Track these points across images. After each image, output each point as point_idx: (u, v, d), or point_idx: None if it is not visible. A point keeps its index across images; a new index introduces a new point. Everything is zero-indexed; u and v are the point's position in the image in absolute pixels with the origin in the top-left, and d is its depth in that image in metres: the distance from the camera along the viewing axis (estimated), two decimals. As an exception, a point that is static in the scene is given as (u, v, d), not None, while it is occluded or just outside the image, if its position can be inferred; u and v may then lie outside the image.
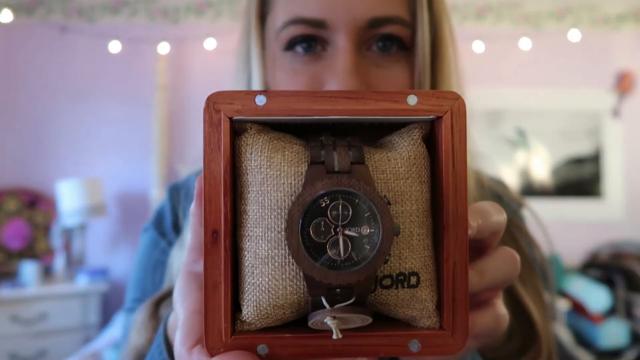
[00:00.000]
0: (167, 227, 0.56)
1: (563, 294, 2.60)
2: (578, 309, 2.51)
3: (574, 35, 2.95)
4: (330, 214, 0.26)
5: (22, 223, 2.69)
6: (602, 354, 2.52)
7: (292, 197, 0.27)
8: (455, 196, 0.28)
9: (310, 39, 0.41)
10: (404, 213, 0.28)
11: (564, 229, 2.96)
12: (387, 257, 0.26)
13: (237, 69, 0.48)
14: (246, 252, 0.28)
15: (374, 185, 0.26)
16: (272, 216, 0.27)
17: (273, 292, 0.27)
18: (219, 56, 2.90)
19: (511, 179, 2.97)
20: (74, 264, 2.59)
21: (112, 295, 2.71)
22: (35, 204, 2.75)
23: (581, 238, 2.94)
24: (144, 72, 2.85)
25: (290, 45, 0.41)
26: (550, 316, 0.49)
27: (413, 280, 0.28)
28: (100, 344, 1.85)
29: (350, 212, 0.26)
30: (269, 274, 0.27)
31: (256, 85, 0.44)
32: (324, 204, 0.26)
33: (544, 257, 0.51)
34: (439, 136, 0.28)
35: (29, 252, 2.69)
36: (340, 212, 0.26)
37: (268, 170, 0.28)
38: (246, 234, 0.28)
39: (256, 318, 0.28)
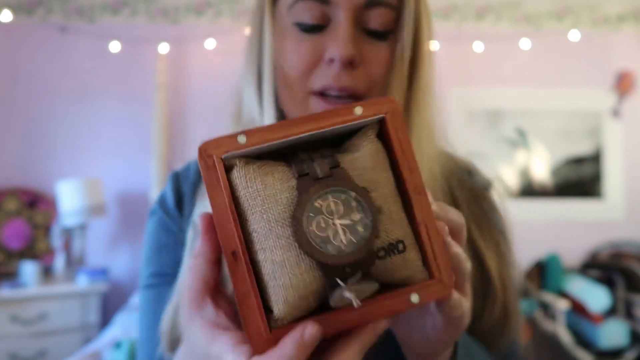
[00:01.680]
0: (170, 207, 0.61)
1: (563, 294, 2.60)
2: (578, 309, 2.51)
3: (574, 35, 2.95)
4: (326, 211, 0.32)
5: (22, 223, 2.69)
6: (602, 354, 2.52)
7: (292, 207, 0.33)
8: (410, 174, 0.35)
9: (314, 25, 0.49)
10: (380, 196, 0.35)
11: (564, 229, 2.96)
12: (378, 233, 0.33)
13: (250, 40, 0.56)
14: (263, 263, 0.33)
15: (353, 181, 0.33)
16: (279, 227, 0.33)
17: (296, 286, 0.32)
18: (219, 56, 2.90)
19: (511, 179, 2.97)
20: (74, 264, 2.59)
21: (112, 295, 2.71)
22: (35, 204, 2.75)
23: (581, 238, 2.94)
24: (144, 72, 2.85)
25: (298, 23, 0.49)
26: (509, 268, 0.57)
27: (400, 247, 0.34)
28: (100, 344, 1.85)
29: (341, 206, 0.33)
30: (288, 273, 0.32)
31: (267, 55, 0.51)
32: (318, 205, 0.32)
33: (507, 225, 0.61)
34: (387, 132, 0.36)
35: (29, 252, 2.69)
36: (333, 208, 0.33)
37: (265, 191, 0.33)
38: (259, 248, 0.33)
39: (287, 312, 0.33)
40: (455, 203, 0.57)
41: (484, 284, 0.54)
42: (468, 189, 0.60)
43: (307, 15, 0.48)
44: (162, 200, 0.63)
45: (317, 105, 0.50)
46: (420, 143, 0.51)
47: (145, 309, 0.58)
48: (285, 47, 0.50)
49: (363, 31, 0.49)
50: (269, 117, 0.52)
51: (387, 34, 0.50)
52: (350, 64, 0.48)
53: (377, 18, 0.49)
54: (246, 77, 0.55)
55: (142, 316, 0.58)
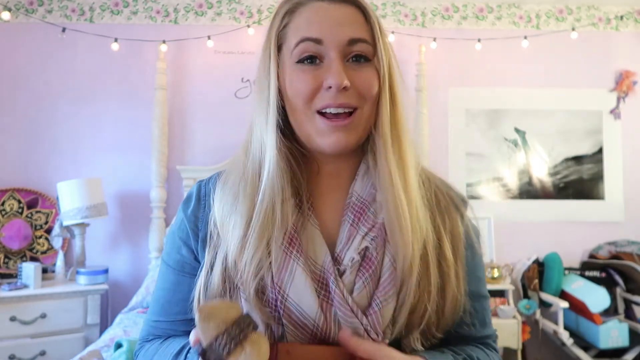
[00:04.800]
0: (188, 211, 0.74)
1: (563, 294, 2.60)
2: (578, 309, 2.51)
3: (574, 35, 2.95)
4: None
5: (22, 223, 2.69)
6: (602, 354, 2.52)
7: None
8: None
9: (312, 57, 0.64)
10: None
11: (564, 229, 2.96)
12: None
13: (259, 82, 0.69)
14: None
15: None
16: None
17: None
18: (219, 56, 2.90)
19: (511, 179, 2.97)
20: (74, 264, 2.59)
21: (112, 295, 2.71)
22: (35, 204, 2.75)
23: (581, 238, 2.94)
24: (144, 72, 2.85)
25: (301, 59, 0.65)
26: (464, 274, 0.69)
27: None
28: (100, 344, 1.85)
29: None
30: None
31: (274, 91, 0.66)
32: None
33: (477, 240, 0.73)
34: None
35: (29, 252, 2.69)
36: None
37: None
38: None
39: None
40: (433, 210, 0.68)
41: (443, 280, 0.66)
42: (446, 199, 0.71)
43: (307, 55, 0.64)
44: (185, 202, 0.75)
45: (321, 122, 0.64)
46: (405, 155, 0.65)
47: (159, 276, 0.76)
48: (292, 81, 0.65)
49: (350, 60, 0.65)
50: (271, 144, 0.65)
51: (367, 62, 0.65)
52: (344, 89, 0.62)
53: (359, 50, 0.64)
54: (258, 111, 0.67)
55: (158, 279, 0.76)
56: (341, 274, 0.62)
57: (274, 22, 0.69)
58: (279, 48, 0.68)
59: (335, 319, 0.60)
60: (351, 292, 0.61)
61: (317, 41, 0.63)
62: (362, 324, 0.59)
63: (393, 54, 0.69)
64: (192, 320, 0.64)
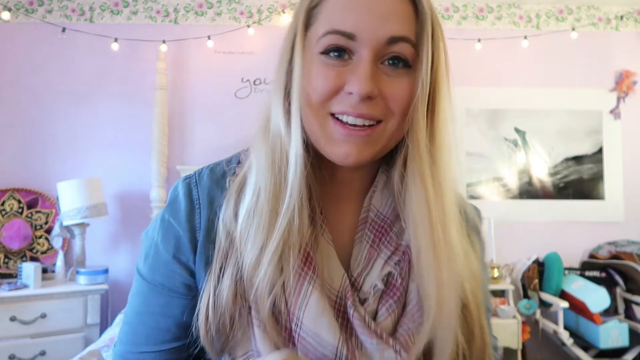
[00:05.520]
0: (182, 216, 0.61)
1: (563, 294, 2.60)
2: (578, 309, 2.51)
3: (574, 35, 2.95)
4: None
5: (22, 223, 2.69)
6: (602, 354, 2.52)
7: None
8: None
9: (341, 49, 0.53)
10: None
11: (564, 229, 2.96)
12: None
13: (280, 62, 0.59)
14: None
15: None
16: None
17: None
18: (219, 56, 2.90)
19: (511, 179, 2.97)
20: (74, 264, 2.59)
21: (112, 295, 2.71)
22: (35, 204, 2.75)
23: (581, 238, 2.94)
24: (144, 72, 2.85)
25: (326, 51, 0.54)
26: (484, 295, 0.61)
27: None
28: (100, 344, 1.85)
29: None
30: None
31: (297, 76, 0.55)
32: None
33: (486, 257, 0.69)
34: None
35: (29, 252, 2.69)
36: None
37: None
38: None
39: None
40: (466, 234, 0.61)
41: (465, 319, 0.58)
42: (469, 222, 0.63)
43: (334, 46, 0.53)
44: (173, 208, 0.61)
45: (334, 127, 0.54)
46: (443, 177, 0.56)
47: (140, 298, 0.61)
48: (311, 72, 0.54)
49: (386, 63, 0.54)
50: (296, 137, 0.55)
51: (406, 68, 0.54)
52: (368, 99, 0.52)
53: (398, 51, 0.53)
54: (276, 94, 0.58)
55: (136, 302, 0.61)
56: (361, 301, 0.55)
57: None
58: (307, 27, 0.56)
59: (361, 348, 0.52)
60: (374, 320, 0.54)
61: (350, 36, 0.52)
62: (394, 349, 0.52)
63: (445, 61, 0.57)
64: (183, 347, 0.58)
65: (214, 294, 0.54)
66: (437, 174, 0.55)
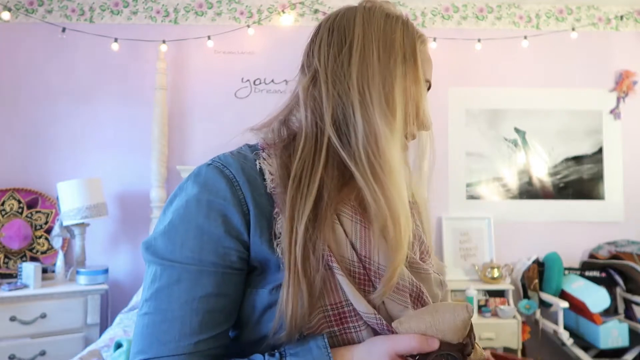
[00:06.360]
0: (228, 197, 0.61)
1: (563, 294, 2.60)
2: (578, 309, 2.51)
3: (574, 35, 2.95)
4: None
5: (22, 223, 2.69)
6: (602, 354, 2.52)
7: None
8: None
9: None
10: None
11: (564, 229, 2.96)
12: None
13: (380, 68, 0.67)
14: None
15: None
16: None
17: None
18: (219, 56, 2.90)
19: (511, 179, 2.97)
20: (74, 264, 2.59)
21: (112, 295, 2.71)
22: (35, 204, 2.75)
23: (581, 238, 2.94)
24: (144, 72, 2.85)
25: (428, 87, 0.76)
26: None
27: None
28: (100, 344, 1.85)
29: None
30: None
31: (411, 95, 0.69)
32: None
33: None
34: None
35: (29, 252, 2.69)
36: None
37: None
38: None
39: None
40: None
41: None
42: None
43: (428, 76, 0.75)
44: (210, 188, 0.60)
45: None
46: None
47: (183, 286, 0.58)
48: (418, 91, 0.69)
49: None
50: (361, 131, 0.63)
51: None
52: None
53: None
54: (360, 95, 0.64)
55: (177, 293, 0.58)
56: None
57: (408, 30, 0.69)
58: (412, 58, 0.69)
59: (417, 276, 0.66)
60: None
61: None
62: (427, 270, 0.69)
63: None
64: (230, 328, 0.60)
65: (294, 255, 0.57)
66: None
